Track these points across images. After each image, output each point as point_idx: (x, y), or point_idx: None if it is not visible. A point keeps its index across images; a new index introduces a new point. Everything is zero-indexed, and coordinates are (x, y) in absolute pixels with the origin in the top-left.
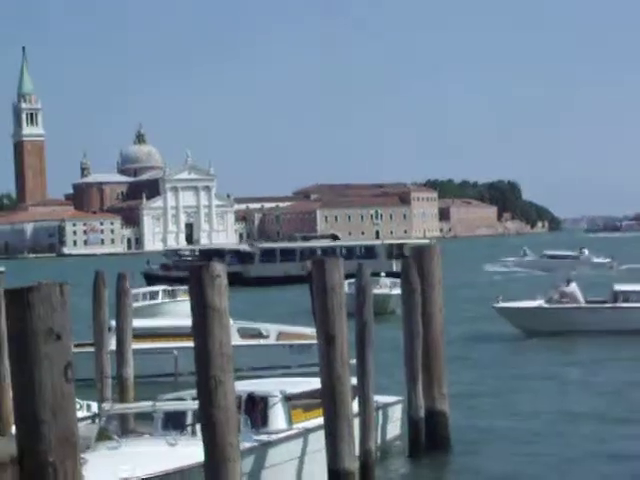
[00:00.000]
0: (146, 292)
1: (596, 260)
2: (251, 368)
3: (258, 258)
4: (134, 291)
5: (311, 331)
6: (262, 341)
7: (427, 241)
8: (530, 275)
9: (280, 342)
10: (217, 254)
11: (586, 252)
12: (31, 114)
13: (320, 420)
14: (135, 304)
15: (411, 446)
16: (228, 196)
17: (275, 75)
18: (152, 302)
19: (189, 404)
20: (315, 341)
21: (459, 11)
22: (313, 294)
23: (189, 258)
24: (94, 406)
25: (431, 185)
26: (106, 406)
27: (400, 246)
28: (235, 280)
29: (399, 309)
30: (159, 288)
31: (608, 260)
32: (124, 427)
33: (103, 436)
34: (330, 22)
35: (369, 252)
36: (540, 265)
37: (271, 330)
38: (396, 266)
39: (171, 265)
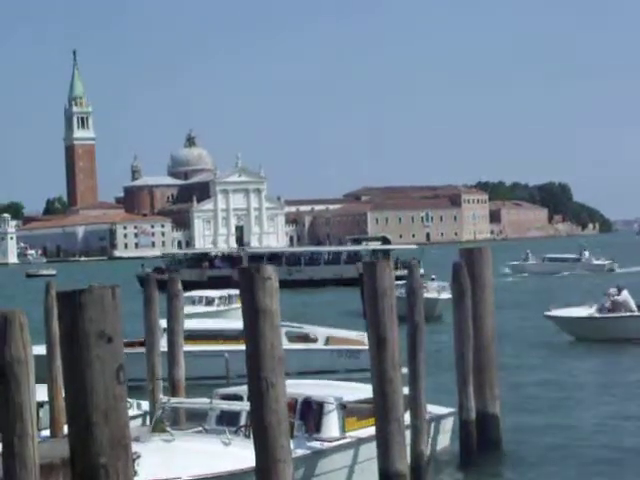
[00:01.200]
0: (203, 296)
1: (596, 262)
2: (298, 372)
3: (246, 262)
4: (188, 294)
5: (358, 335)
6: (310, 345)
7: (414, 247)
8: (533, 278)
9: (328, 347)
10: (207, 258)
11: (586, 254)
12: (82, 118)
13: (373, 429)
14: (191, 309)
15: (462, 449)
16: (278, 198)
17: (326, 76)
18: (208, 309)
19: (245, 405)
20: (363, 347)
21: (509, 8)
22: (364, 297)
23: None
24: (144, 405)
25: (482, 187)
26: (164, 398)
27: (385, 252)
28: (224, 283)
29: (446, 313)
30: (216, 293)
31: (608, 262)
32: (177, 422)
33: (159, 428)
34: (376, 20)
35: (354, 258)
36: (542, 268)
37: (319, 334)
38: None
39: (164, 269)
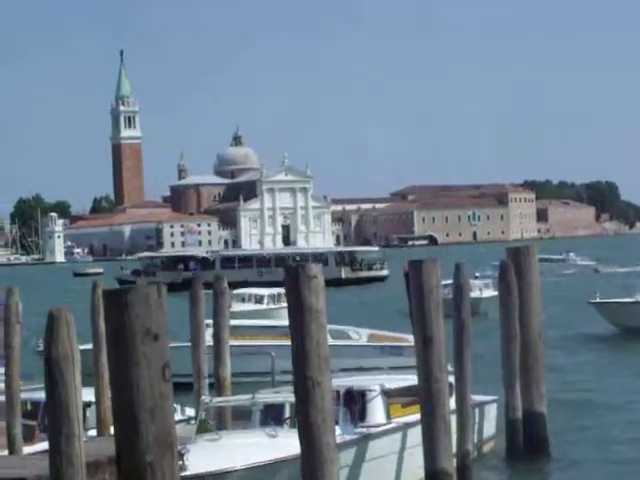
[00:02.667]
0: (252, 294)
1: (581, 263)
2: (341, 370)
3: (219, 265)
4: (237, 292)
5: (402, 336)
6: (353, 342)
7: (376, 248)
8: None
9: (371, 343)
10: (182, 260)
11: (572, 255)
12: (129, 117)
13: (419, 416)
14: (240, 307)
15: (509, 447)
16: (325, 197)
17: (372, 75)
18: (258, 307)
19: (288, 396)
20: (406, 343)
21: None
22: (410, 295)
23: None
24: (189, 410)
25: (529, 186)
26: (206, 399)
27: (351, 253)
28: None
29: (490, 312)
30: (265, 292)
31: (593, 263)
32: (222, 422)
33: (203, 428)
34: (420, 18)
35: (320, 259)
36: None
37: (362, 333)
38: (345, 273)
39: (141, 270)
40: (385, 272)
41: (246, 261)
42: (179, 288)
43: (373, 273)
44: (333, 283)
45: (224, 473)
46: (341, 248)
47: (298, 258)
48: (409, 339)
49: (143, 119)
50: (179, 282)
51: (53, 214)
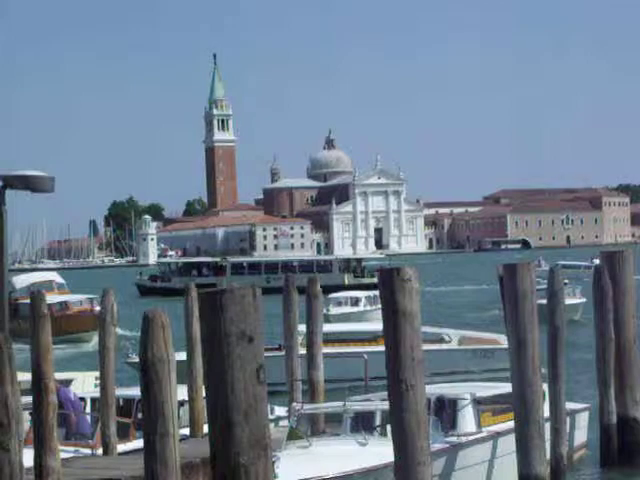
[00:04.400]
0: (348, 297)
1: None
2: (433, 374)
3: (229, 271)
4: (334, 295)
5: (492, 336)
6: (445, 346)
7: (382, 255)
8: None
9: (463, 347)
10: (195, 266)
11: (597, 262)
12: (222, 120)
13: (509, 424)
14: (338, 310)
15: (602, 453)
16: (417, 201)
17: (463, 76)
18: (354, 309)
19: (379, 404)
20: (498, 346)
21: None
22: (504, 299)
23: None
24: (277, 410)
25: (623, 190)
26: (297, 406)
27: (358, 261)
28: None
29: (576, 317)
30: (362, 294)
31: None
32: (313, 428)
33: (294, 435)
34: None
35: (324, 266)
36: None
37: (453, 335)
38: (348, 279)
39: (158, 276)
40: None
41: (255, 267)
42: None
43: (376, 280)
44: (336, 289)
45: None
46: (348, 256)
47: (302, 265)
48: (500, 340)
49: (237, 122)
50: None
51: (147, 217)
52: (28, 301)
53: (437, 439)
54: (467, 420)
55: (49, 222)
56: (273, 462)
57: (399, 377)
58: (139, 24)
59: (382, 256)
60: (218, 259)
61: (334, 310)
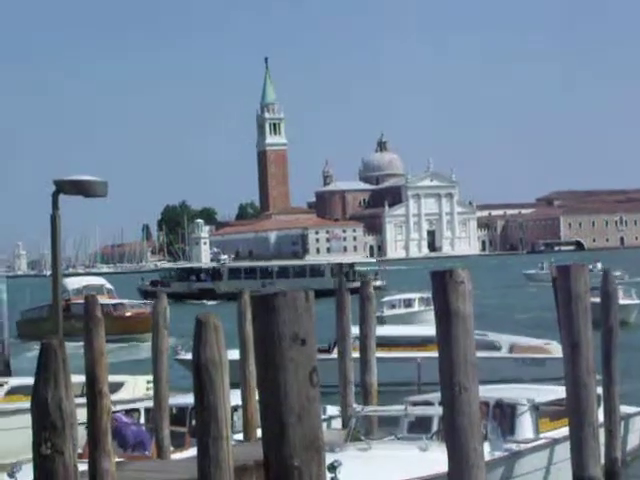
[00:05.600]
0: (401, 299)
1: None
2: (483, 381)
3: (226, 276)
4: (388, 298)
5: (543, 344)
6: (494, 353)
7: (373, 260)
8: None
9: (512, 355)
10: (194, 272)
11: (598, 265)
12: (274, 124)
13: (565, 430)
14: (392, 312)
15: None
16: (470, 203)
17: (513, 78)
18: (408, 310)
19: (438, 409)
20: (549, 355)
21: None
22: (558, 301)
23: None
24: (329, 409)
25: None
26: (357, 407)
27: (351, 265)
28: (210, 295)
29: (631, 319)
30: (415, 295)
31: (619, 273)
32: (369, 429)
33: (353, 437)
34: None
35: (316, 271)
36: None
37: (503, 341)
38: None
39: (158, 281)
40: (379, 283)
41: (251, 272)
42: (193, 297)
43: (358, 284)
44: (328, 293)
45: None
46: (339, 260)
47: (297, 270)
48: (550, 349)
49: (288, 126)
50: (193, 292)
51: (199, 220)
52: (81, 301)
53: (497, 446)
54: (525, 426)
55: (102, 227)
56: (335, 467)
57: (452, 380)
58: (194, 31)
59: (374, 261)
60: (268, 263)
61: (388, 312)
